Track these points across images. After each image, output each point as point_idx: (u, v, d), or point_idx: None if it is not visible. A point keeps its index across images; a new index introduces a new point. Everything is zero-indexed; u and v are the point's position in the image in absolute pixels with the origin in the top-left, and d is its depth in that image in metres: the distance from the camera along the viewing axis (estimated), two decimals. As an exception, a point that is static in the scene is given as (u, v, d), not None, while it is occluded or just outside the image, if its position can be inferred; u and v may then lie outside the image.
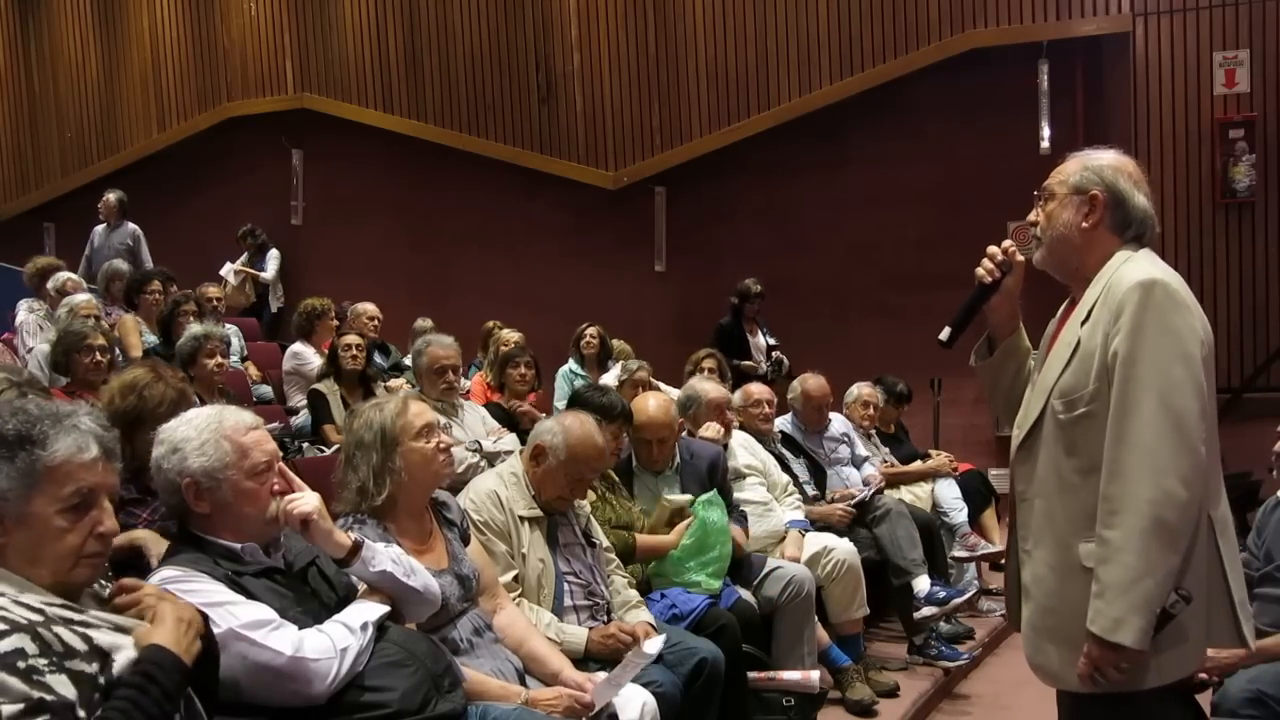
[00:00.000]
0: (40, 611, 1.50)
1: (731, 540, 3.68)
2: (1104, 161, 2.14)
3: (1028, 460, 2.13)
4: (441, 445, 2.59)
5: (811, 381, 5.42)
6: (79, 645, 1.50)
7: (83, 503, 1.61)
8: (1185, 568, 1.94)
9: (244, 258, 9.41)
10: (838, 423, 5.51)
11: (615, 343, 6.89)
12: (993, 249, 2.21)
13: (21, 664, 1.42)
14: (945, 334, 2.21)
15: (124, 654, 1.54)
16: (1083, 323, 2.06)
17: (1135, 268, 2.02)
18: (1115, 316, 1.97)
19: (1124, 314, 1.96)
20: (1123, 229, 2.10)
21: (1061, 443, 2.05)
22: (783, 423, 5.35)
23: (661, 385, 5.31)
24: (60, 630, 1.49)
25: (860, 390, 5.90)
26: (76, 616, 1.54)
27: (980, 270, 2.21)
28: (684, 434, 4.20)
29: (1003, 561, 5.28)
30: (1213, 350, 2.02)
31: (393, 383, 5.86)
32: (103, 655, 1.52)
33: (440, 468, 2.60)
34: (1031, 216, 2.18)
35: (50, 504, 1.58)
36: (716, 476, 4.03)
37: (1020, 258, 2.19)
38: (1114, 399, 1.95)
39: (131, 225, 8.56)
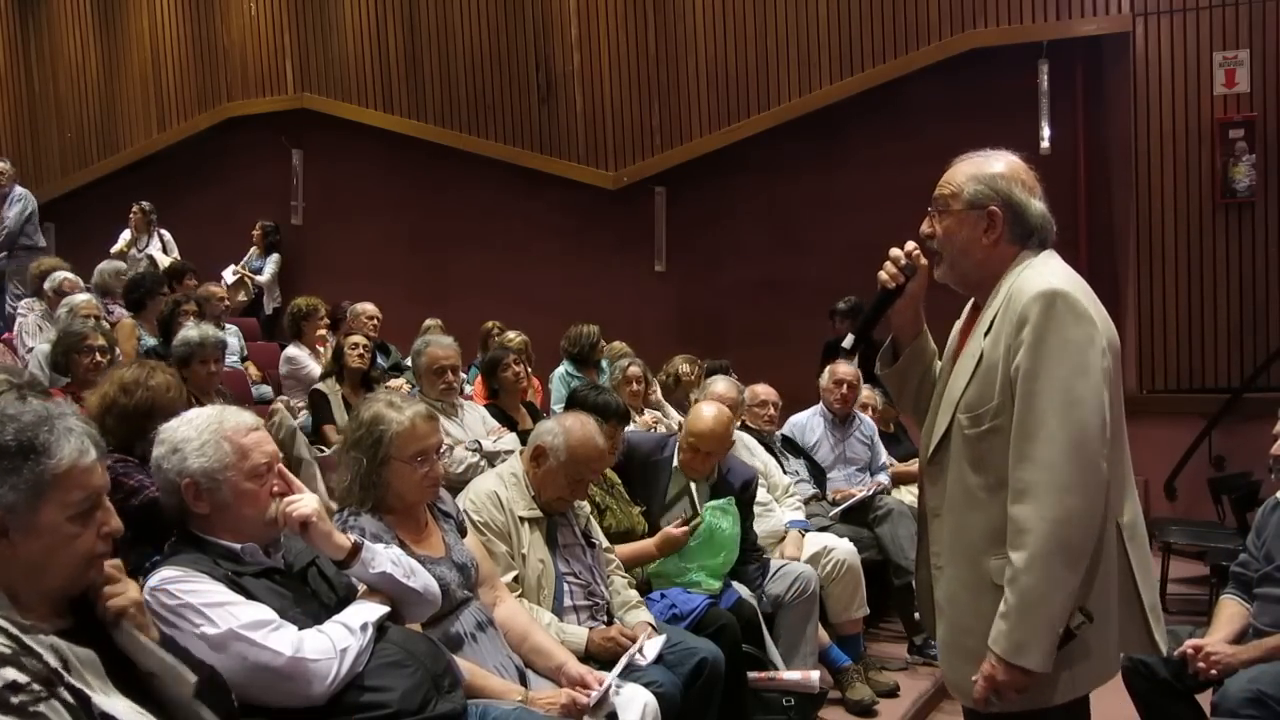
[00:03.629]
0: (16, 640, 1.46)
1: (737, 550, 3.68)
2: (996, 170, 2.08)
3: (938, 476, 2.11)
4: (432, 475, 2.56)
5: (843, 368, 5.39)
6: (55, 679, 1.47)
7: (91, 506, 1.59)
8: (1091, 582, 1.92)
9: (250, 254, 9.46)
10: (867, 425, 5.51)
11: (615, 344, 6.88)
12: (895, 252, 2.17)
13: (15, 699, 1.38)
14: (848, 341, 2.18)
15: (99, 697, 1.51)
16: (986, 333, 2.04)
17: (1035, 276, 1.99)
18: (1017, 329, 1.94)
19: (1026, 327, 1.93)
20: (1024, 239, 2.07)
21: (968, 458, 2.03)
22: (812, 413, 5.41)
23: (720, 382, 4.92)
24: (31, 662, 1.45)
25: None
26: (50, 658, 1.49)
27: (883, 274, 2.17)
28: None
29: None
30: (1119, 354, 2.01)
31: (393, 383, 5.86)
32: (79, 697, 1.48)
33: (424, 493, 2.59)
34: (924, 228, 2.14)
35: (60, 511, 1.55)
36: (747, 495, 3.98)
37: (924, 261, 2.15)
38: (1016, 417, 1.93)
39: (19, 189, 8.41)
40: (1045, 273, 1.99)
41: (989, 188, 2.06)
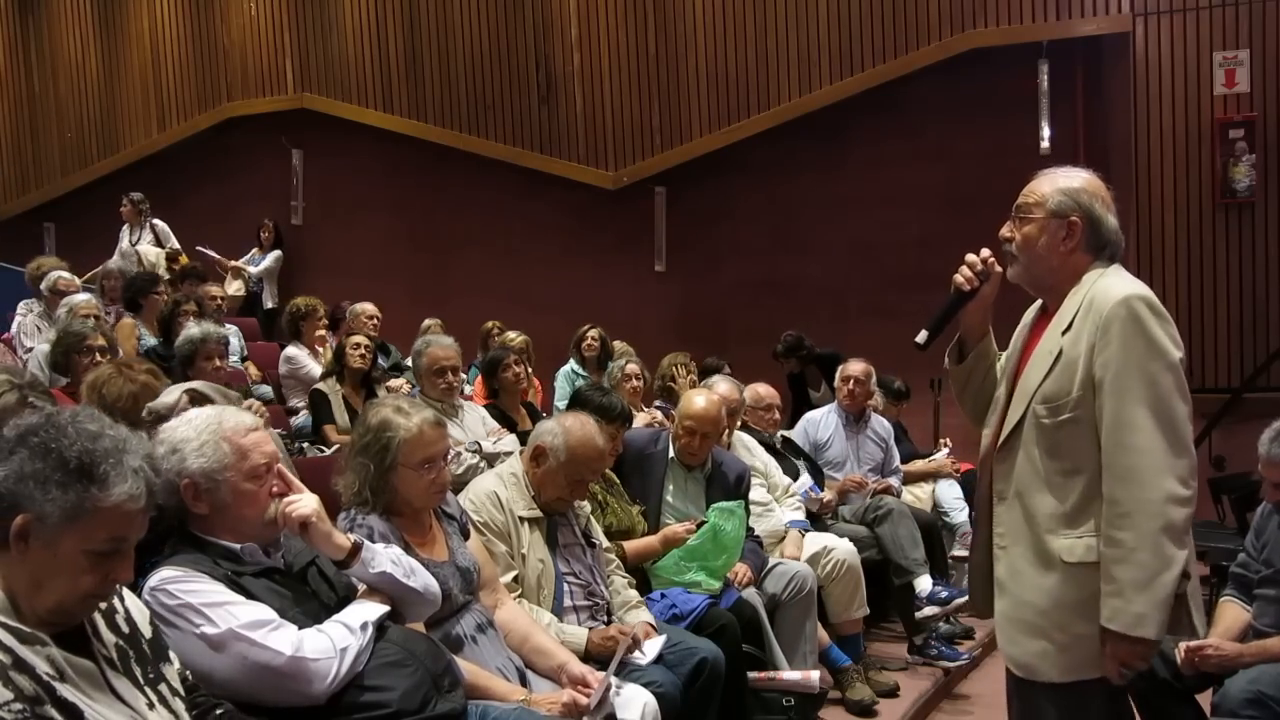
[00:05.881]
0: (10, 651, 1.45)
1: (739, 553, 3.70)
2: (1078, 185, 2.22)
3: (1006, 460, 2.24)
4: (439, 482, 2.57)
5: (854, 366, 5.40)
6: (44, 694, 1.45)
7: (113, 550, 1.56)
8: None
9: (251, 254, 9.49)
10: (883, 426, 5.52)
11: (617, 344, 6.89)
12: (971, 257, 2.30)
13: None
14: (922, 337, 2.30)
15: (93, 714, 1.50)
16: (1064, 332, 2.17)
17: (1116, 283, 2.15)
18: (1101, 329, 2.09)
19: (1112, 328, 2.08)
20: (1098, 250, 2.21)
21: (1042, 445, 2.17)
22: (826, 411, 5.45)
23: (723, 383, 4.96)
24: (21, 679, 1.44)
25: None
26: (45, 668, 1.48)
27: (959, 278, 2.30)
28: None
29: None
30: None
31: (393, 383, 5.86)
32: (71, 710, 1.47)
33: (430, 499, 2.60)
34: (1005, 232, 2.27)
35: (82, 543, 1.52)
36: (741, 489, 4.04)
37: (999, 268, 2.28)
38: (1108, 409, 2.07)
39: None
40: (1126, 281, 2.17)
41: (1072, 199, 2.20)
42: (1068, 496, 2.12)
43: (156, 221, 8.70)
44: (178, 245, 8.59)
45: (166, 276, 7.66)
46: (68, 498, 1.50)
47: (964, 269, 2.30)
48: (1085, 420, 2.10)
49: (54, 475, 1.50)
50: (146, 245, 8.49)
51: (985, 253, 2.30)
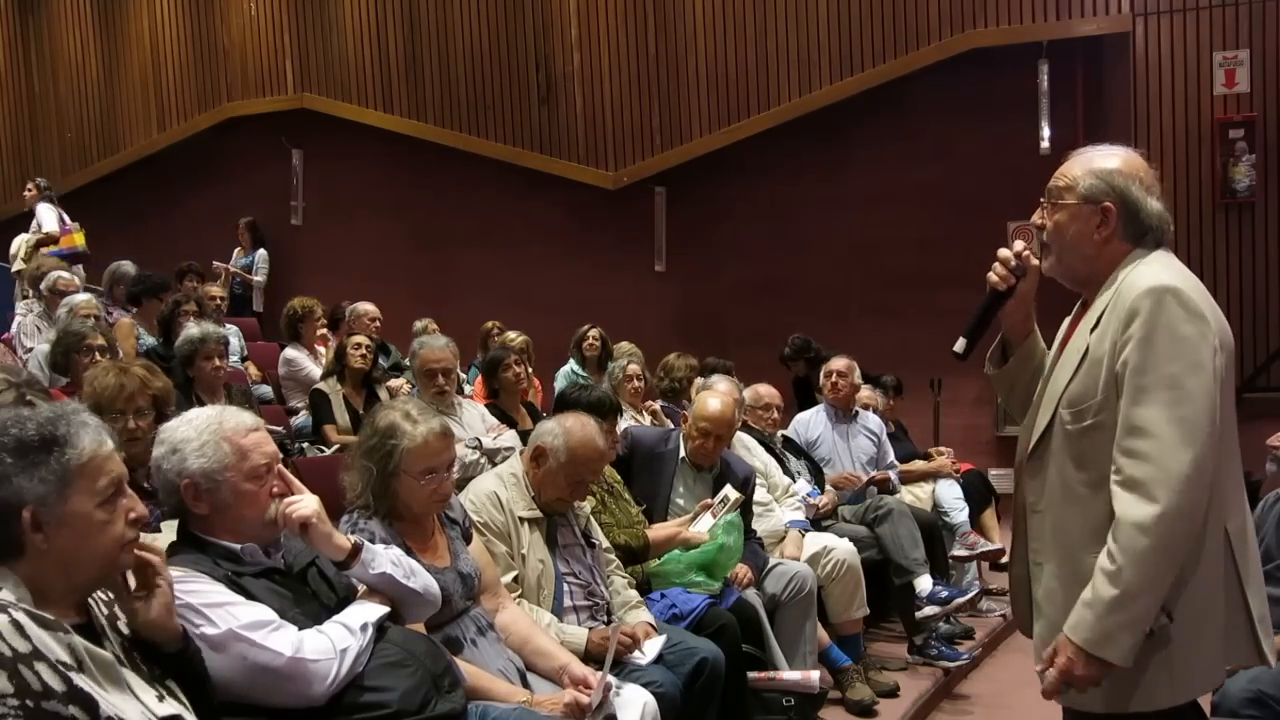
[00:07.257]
0: (29, 639, 1.46)
1: (739, 557, 3.74)
2: (1113, 166, 2.00)
3: (1038, 471, 2.06)
4: (440, 491, 2.57)
5: (836, 362, 5.50)
6: (58, 686, 1.45)
7: (116, 492, 1.62)
8: (1185, 583, 1.88)
9: (235, 254, 9.52)
10: (873, 421, 5.55)
11: (625, 344, 6.88)
12: (1004, 253, 2.09)
13: None
14: (960, 345, 2.08)
15: (108, 705, 1.50)
16: (1092, 329, 1.98)
17: (1147, 272, 1.93)
18: (1125, 324, 1.89)
19: (1135, 322, 1.88)
20: (1138, 237, 2.00)
21: (1070, 454, 1.99)
22: (815, 410, 5.52)
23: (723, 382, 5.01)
24: (41, 669, 1.44)
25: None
26: (64, 657, 1.49)
27: (993, 276, 2.10)
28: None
29: (1004, 560, 5.29)
30: (1232, 355, 1.94)
31: (393, 383, 5.86)
32: (85, 702, 1.47)
33: (431, 507, 2.59)
34: (1036, 219, 2.08)
35: (89, 499, 1.58)
36: (747, 491, 4.05)
37: (1035, 261, 2.08)
38: (1123, 410, 1.88)
39: None
40: (1157, 269, 1.94)
41: (1105, 183, 1.99)
42: (1096, 510, 1.91)
43: (39, 207, 8.37)
44: (54, 229, 8.23)
45: (21, 266, 7.58)
46: (51, 469, 1.56)
47: (997, 266, 2.08)
48: (1110, 426, 1.89)
49: (26, 458, 1.55)
50: (24, 235, 8.29)
51: (1019, 246, 2.09)
